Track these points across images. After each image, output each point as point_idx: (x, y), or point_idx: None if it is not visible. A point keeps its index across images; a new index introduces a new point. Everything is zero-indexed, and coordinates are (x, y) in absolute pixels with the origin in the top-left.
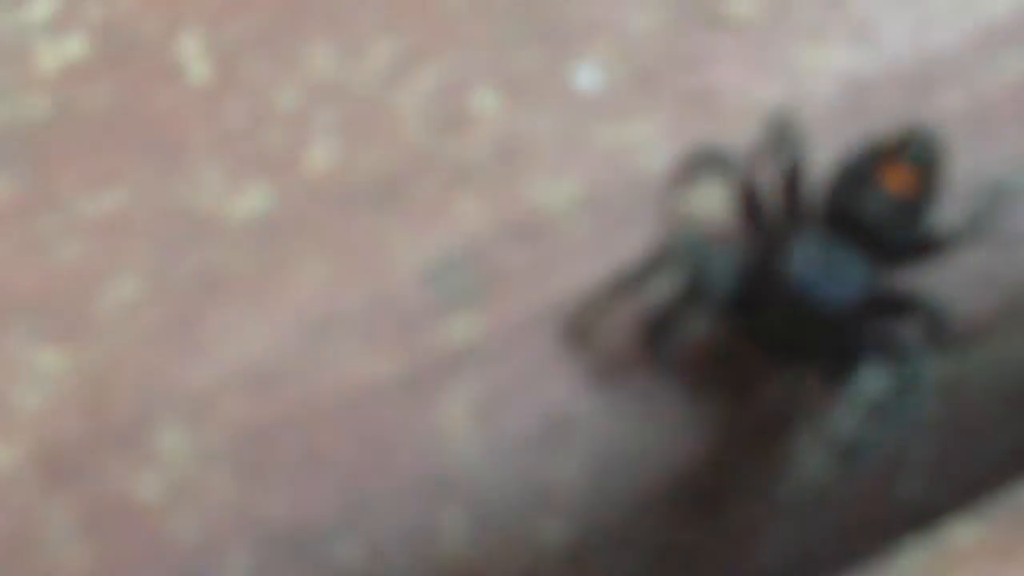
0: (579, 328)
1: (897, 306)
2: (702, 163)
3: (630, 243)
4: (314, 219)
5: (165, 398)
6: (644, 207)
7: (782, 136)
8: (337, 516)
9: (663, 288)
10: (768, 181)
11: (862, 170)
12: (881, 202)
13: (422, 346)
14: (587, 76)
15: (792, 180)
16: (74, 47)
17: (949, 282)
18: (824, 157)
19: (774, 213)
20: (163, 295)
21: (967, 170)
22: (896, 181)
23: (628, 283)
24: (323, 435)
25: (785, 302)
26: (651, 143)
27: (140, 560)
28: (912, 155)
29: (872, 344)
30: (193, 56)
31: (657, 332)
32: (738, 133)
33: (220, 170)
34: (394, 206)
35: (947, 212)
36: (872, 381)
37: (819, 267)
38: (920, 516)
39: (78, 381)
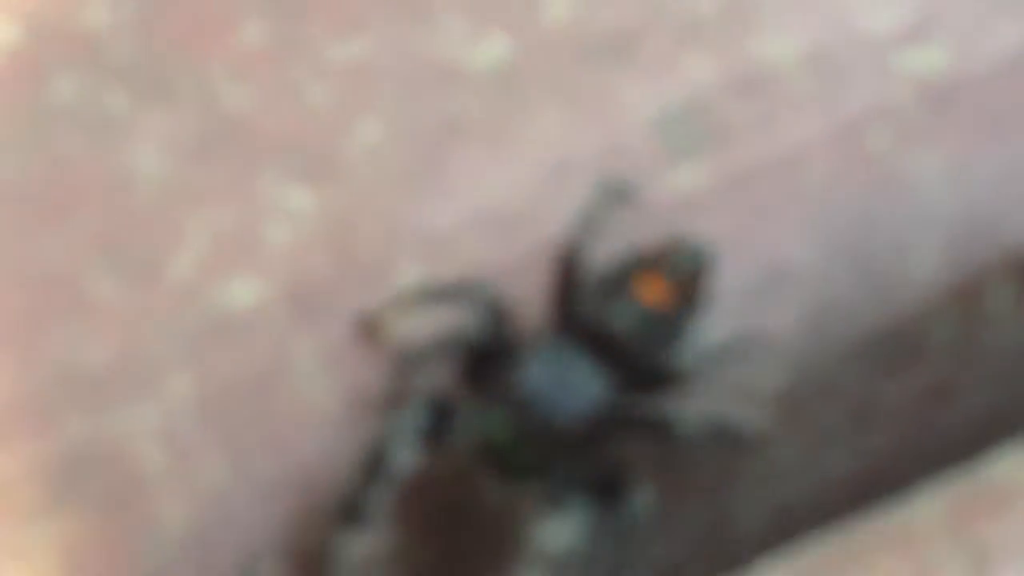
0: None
1: (640, 428)
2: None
3: (849, 101)
4: (550, 70)
5: (407, 239)
6: (865, 66)
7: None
8: None
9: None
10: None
11: (618, 278)
12: (632, 313)
13: (649, 194)
14: None
15: (562, 283)
16: None
17: None
18: None
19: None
20: (406, 139)
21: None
22: (650, 292)
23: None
24: None
25: (512, 414)
26: (875, 2)
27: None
28: (671, 268)
29: (593, 474)
30: None
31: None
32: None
33: (462, 20)
34: (626, 59)
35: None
36: (560, 533)
37: (553, 381)
38: None
39: (325, 220)
